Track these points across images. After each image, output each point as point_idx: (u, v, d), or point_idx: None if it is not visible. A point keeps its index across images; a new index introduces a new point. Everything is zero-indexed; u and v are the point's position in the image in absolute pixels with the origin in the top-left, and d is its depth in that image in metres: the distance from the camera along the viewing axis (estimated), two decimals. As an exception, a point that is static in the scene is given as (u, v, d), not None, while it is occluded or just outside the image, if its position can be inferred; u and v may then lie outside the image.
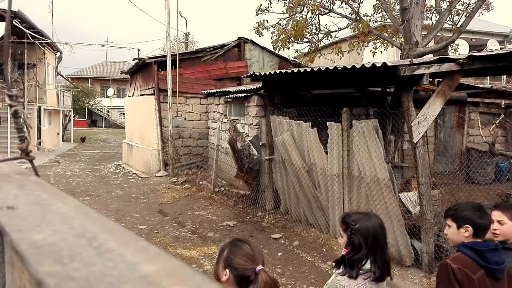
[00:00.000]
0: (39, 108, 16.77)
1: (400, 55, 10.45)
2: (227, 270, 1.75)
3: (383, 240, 2.01)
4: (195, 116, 12.05)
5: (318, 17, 11.58)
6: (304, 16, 11.43)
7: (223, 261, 1.79)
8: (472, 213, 2.17)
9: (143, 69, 13.13)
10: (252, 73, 7.66)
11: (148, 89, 12.46)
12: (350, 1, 11.30)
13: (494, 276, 2.04)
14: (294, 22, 11.36)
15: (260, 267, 1.73)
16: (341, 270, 1.99)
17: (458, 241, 2.18)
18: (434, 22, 10.62)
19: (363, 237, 1.95)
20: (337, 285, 1.96)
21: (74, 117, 27.89)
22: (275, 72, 6.65)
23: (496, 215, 2.46)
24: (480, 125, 9.45)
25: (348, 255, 1.97)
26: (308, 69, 5.92)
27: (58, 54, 20.43)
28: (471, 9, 10.19)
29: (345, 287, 1.91)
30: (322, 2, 11.41)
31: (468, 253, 2.07)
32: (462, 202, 2.46)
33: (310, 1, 11.07)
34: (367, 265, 1.94)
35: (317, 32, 11.86)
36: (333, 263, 2.09)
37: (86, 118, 36.15)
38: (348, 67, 4.96)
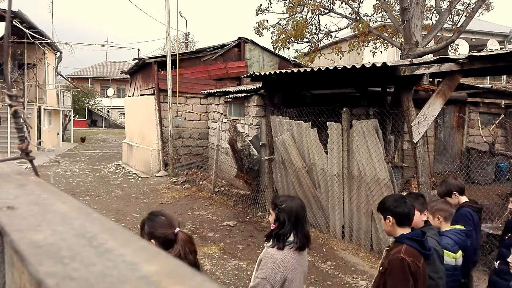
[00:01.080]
0: (39, 108, 16.76)
1: (400, 55, 10.45)
2: (152, 241, 2.06)
3: (303, 218, 2.41)
4: (195, 116, 12.05)
5: (318, 17, 11.58)
6: (304, 16, 11.43)
7: (146, 234, 2.10)
8: (391, 203, 2.41)
9: (143, 69, 13.12)
10: (252, 73, 7.65)
11: (148, 89, 12.46)
12: (350, 1, 11.29)
13: (428, 259, 2.37)
14: (294, 22, 11.35)
15: (177, 229, 2.09)
16: (270, 243, 2.38)
17: (390, 232, 2.43)
18: (434, 22, 10.62)
19: (287, 215, 2.35)
20: (268, 255, 2.33)
21: (74, 117, 27.88)
22: (275, 72, 6.64)
23: None
24: (480, 125, 9.45)
25: (275, 230, 2.37)
26: (308, 69, 5.92)
27: (58, 54, 20.42)
28: (471, 9, 10.18)
29: (274, 256, 2.30)
30: (322, 2, 11.40)
31: (412, 244, 2.29)
32: (389, 195, 2.75)
33: (310, 1, 11.07)
34: (291, 238, 2.34)
35: (317, 32, 11.86)
36: (265, 238, 2.47)
37: (86, 118, 36.14)
38: (348, 67, 4.96)
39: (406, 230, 2.36)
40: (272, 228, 2.41)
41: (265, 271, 2.28)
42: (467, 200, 3.49)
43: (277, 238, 2.34)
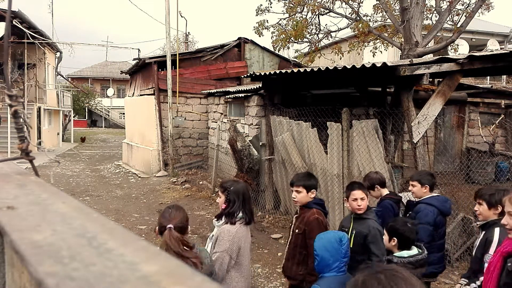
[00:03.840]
0: (39, 108, 16.76)
1: (400, 55, 10.44)
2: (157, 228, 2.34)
3: (249, 197, 2.87)
4: (195, 116, 12.04)
5: (318, 17, 11.57)
6: (304, 16, 11.42)
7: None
8: (301, 178, 3.14)
9: (143, 69, 13.12)
10: (252, 73, 7.65)
11: (148, 89, 12.45)
12: (350, 1, 11.28)
13: (326, 216, 3.19)
14: (294, 22, 11.34)
15: (170, 225, 2.21)
16: (222, 221, 2.77)
17: (304, 202, 3.07)
18: (434, 22, 10.61)
19: (236, 195, 2.77)
20: (224, 231, 2.68)
21: (74, 117, 27.88)
22: (275, 72, 6.64)
23: (358, 193, 3.08)
24: (480, 125, 9.45)
25: (226, 209, 2.76)
26: (308, 69, 5.91)
27: (58, 54, 20.41)
28: (471, 9, 10.17)
29: (229, 231, 2.67)
30: (322, 2, 11.40)
31: (318, 207, 3.09)
32: (296, 174, 3.59)
33: (310, 1, 11.07)
34: (240, 214, 2.75)
35: (317, 32, 11.85)
36: (215, 218, 2.87)
37: (86, 118, 36.14)
38: (348, 67, 4.95)
39: (312, 196, 3.10)
40: (222, 208, 2.80)
41: (223, 244, 2.63)
42: (388, 192, 3.86)
43: (229, 216, 2.74)
